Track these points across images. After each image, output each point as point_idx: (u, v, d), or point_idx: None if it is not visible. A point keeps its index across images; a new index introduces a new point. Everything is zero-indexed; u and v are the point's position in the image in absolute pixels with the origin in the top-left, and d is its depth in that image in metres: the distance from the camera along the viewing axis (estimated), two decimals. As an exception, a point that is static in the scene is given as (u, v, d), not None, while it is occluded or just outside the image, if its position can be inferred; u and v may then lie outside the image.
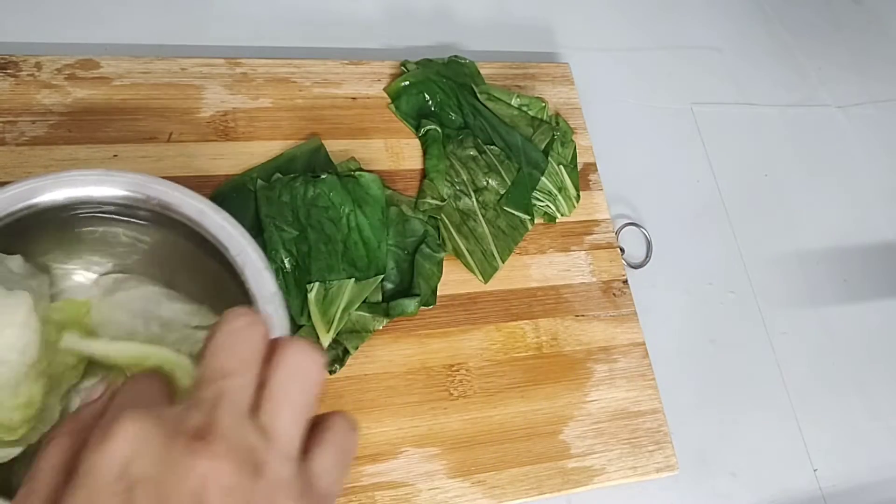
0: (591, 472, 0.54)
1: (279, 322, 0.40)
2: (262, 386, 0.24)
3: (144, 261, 0.46)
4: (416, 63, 0.63)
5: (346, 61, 0.62)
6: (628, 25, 0.79)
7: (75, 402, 0.43)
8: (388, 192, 0.58)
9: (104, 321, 0.44)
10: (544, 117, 0.65)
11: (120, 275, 0.46)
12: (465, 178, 0.60)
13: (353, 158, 0.58)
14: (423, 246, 0.57)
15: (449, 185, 0.60)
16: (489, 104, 0.64)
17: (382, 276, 0.54)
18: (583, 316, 0.60)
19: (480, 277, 0.58)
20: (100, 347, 0.40)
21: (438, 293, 0.56)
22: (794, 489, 0.63)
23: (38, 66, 0.55)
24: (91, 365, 0.43)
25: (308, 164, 0.57)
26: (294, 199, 0.54)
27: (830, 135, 0.82)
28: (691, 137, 0.76)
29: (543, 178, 0.62)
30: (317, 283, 0.52)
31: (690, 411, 0.62)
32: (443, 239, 0.58)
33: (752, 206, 0.74)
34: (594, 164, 0.66)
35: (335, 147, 0.58)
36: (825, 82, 0.85)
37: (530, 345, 0.57)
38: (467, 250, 0.58)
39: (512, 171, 0.62)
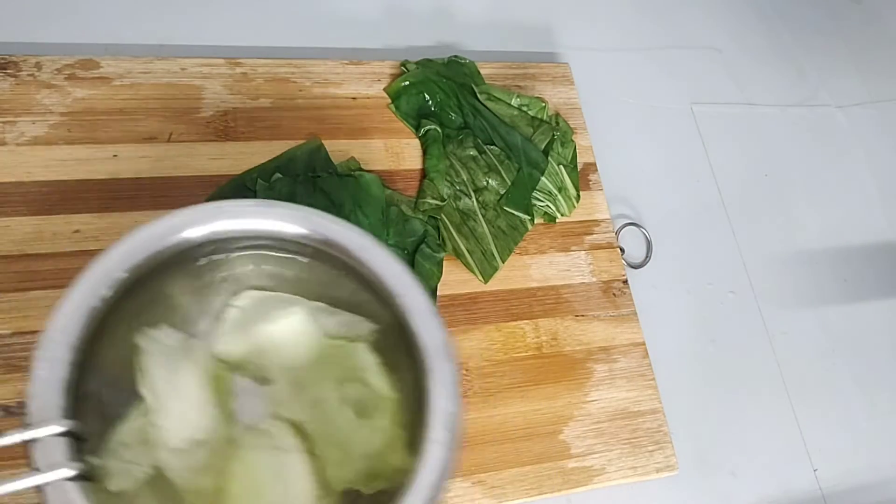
0: (591, 472, 0.54)
1: (446, 378, 0.37)
2: None
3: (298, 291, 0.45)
4: (416, 63, 0.63)
5: (347, 61, 0.62)
6: (628, 25, 0.79)
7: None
8: (388, 192, 0.58)
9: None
10: (544, 117, 0.65)
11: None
12: (465, 178, 0.60)
13: (353, 158, 0.58)
14: (423, 246, 0.57)
15: (449, 185, 0.60)
16: (489, 104, 0.64)
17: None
18: (583, 316, 0.60)
19: (480, 277, 0.58)
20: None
21: (438, 293, 0.56)
22: (794, 489, 0.63)
23: (39, 65, 0.55)
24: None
25: (308, 164, 0.57)
26: (294, 199, 0.54)
27: (830, 135, 0.82)
28: (691, 137, 0.76)
29: (543, 178, 0.62)
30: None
31: (690, 411, 0.62)
32: (443, 239, 0.58)
33: (752, 206, 0.74)
34: (594, 164, 0.66)
35: (335, 147, 0.58)
36: (825, 82, 0.85)
37: (530, 345, 0.57)
38: (467, 250, 0.58)
39: (512, 171, 0.62)
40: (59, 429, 0.33)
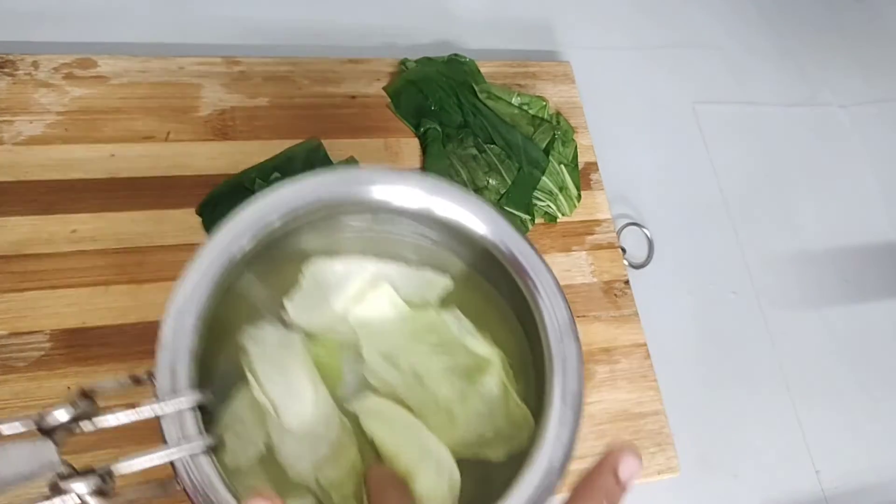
0: (592, 473, 0.54)
1: (572, 356, 0.37)
2: None
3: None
4: (416, 61, 0.63)
5: (346, 59, 0.62)
6: (630, 24, 0.79)
7: None
8: (388, 191, 0.57)
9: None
10: (545, 116, 0.65)
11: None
12: (465, 178, 0.60)
13: (352, 157, 0.58)
14: (423, 246, 0.56)
15: (449, 184, 0.59)
16: (489, 103, 0.63)
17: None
18: (584, 316, 0.59)
19: (481, 278, 0.57)
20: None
21: (438, 293, 0.56)
22: (796, 490, 0.62)
23: (36, 64, 0.55)
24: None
25: (307, 163, 0.56)
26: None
27: (832, 134, 0.82)
28: (693, 137, 0.75)
29: (544, 178, 0.62)
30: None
31: (692, 412, 0.62)
32: (443, 239, 0.57)
33: (753, 206, 0.74)
34: (595, 164, 0.66)
35: (334, 146, 0.58)
36: (827, 81, 0.85)
37: (531, 345, 0.57)
38: (467, 250, 0.58)
39: (512, 171, 0.61)
40: (191, 401, 0.33)
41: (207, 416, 0.34)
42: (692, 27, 0.82)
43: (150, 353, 0.33)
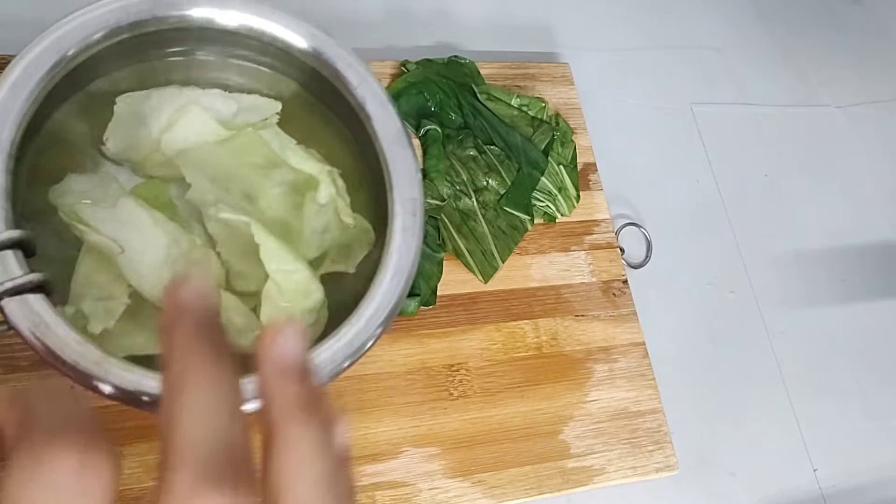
0: (590, 472, 0.54)
1: (406, 164, 0.37)
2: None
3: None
4: (416, 63, 0.63)
5: (346, 61, 0.62)
6: (628, 25, 0.79)
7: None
8: (388, 192, 0.58)
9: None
10: (544, 117, 0.65)
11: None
12: (465, 178, 0.60)
13: (353, 158, 0.58)
14: (423, 246, 0.56)
15: (449, 185, 0.60)
16: (489, 104, 0.64)
17: (382, 276, 0.54)
18: (583, 316, 0.60)
19: (480, 277, 0.58)
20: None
21: (438, 293, 0.56)
22: (794, 489, 0.63)
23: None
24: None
25: (308, 164, 0.57)
26: (294, 199, 0.54)
27: (830, 135, 0.82)
28: (691, 137, 0.76)
29: (543, 179, 0.62)
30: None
31: (690, 411, 0.62)
32: (443, 239, 0.58)
33: (751, 206, 0.74)
34: (594, 164, 0.66)
35: (335, 147, 0.58)
36: (825, 82, 0.85)
37: (530, 345, 0.57)
38: (467, 250, 0.58)
39: (512, 172, 0.62)
40: (9, 237, 0.32)
41: (35, 260, 0.33)
42: (690, 29, 0.82)
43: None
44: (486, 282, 0.58)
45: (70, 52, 0.36)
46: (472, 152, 0.61)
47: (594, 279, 0.61)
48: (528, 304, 0.58)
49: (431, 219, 0.58)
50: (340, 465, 0.21)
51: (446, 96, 0.63)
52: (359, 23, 0.69)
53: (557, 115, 0.66)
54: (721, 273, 0.70)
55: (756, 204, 0.75)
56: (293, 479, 0.19)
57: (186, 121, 0.41)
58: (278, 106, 0.44)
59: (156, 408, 0.30)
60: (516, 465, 0.53)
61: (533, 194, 0.62)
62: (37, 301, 0.32)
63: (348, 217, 0.42)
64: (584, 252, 0.62)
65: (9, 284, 0.31)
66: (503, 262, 0.59)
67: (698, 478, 0.60)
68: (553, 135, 0.64)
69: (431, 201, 0.58)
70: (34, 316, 0.31)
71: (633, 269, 0.65)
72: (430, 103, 0.62)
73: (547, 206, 0.62)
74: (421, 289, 0.55)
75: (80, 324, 0.36)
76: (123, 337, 0.37)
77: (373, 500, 0.49)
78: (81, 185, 0.39)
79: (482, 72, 0.65)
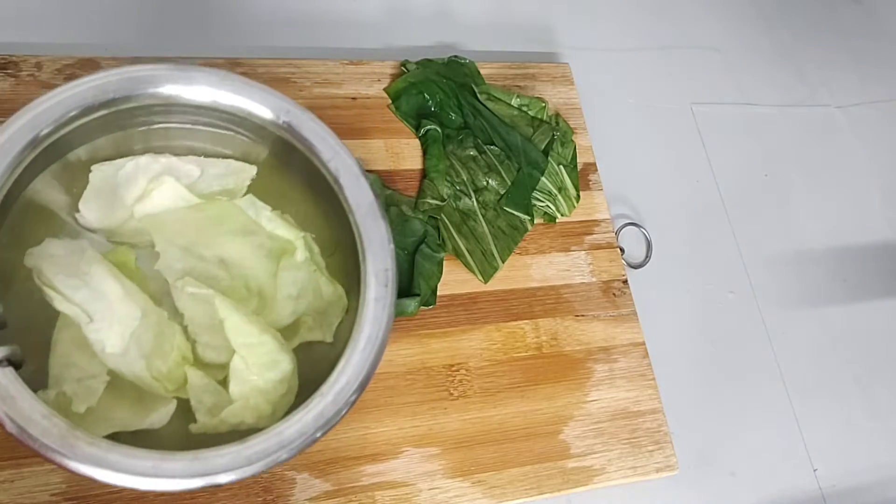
0: (590, 472, 0.54)
1: (379, 235, 0.37)
2: None
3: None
4: (416, 63, 0.63)
5: (346, 61, 0.62)
6: (628, 25, 0.79)
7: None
8: (388, 192, 0.58)
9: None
10: (544, 117, 0.65)
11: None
12: (465, 178, 0.60)
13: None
14: (423, 246, 0.57)
15: (449, 185, 0.60)
16: (489, 104, 0.64)
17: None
18: (583, 316, 0.60)
19: (480, 277, 0.58)
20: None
21: (438, 293, 0.56)
22: (794, 489, 0.63)
23: (39, 66, 0.55)
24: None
25: (308, 164, 0.57)
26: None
27: (830, 135, 0.82)
28: (691, 137, 0.76)
29: (543, 179, 0.62)
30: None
31: (690, 411, 0.62)
32: (443, 239, 0.58)
33: (751, 206, 0.74)
34: (594, 164, 0.66)
35: (335, 147, 0.58)
36: (825, 82, 0.85)
37: (530, 345, 0.57)
38: (467, 250, 0.58)
39: (512, 172, 0.62)
40: None
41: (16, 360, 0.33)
42: (690, 28, 0.82)
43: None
44: (486, 282, 0.58)
45: (46, 131, 0.37)
46: (472, 152, 0.61)
47: (594, 279, 0.61)
48: (528, 304, 0.58)
49: (431, 219, 0.58)
50: None
51: (446, 96, 0.63)
52: (359, 23, 0.69)
53: (557, 115, 0.66)
54: (721, 273, 0.70)
55: (756, 203, 0.75)
56: None
57: (160, 191, 0.42)
58: (253, 171, 0.44)
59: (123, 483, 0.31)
60: (516, 465, 0.53)
61: (533, 194, 0.62)
62: (3, 375, 0.32)
63: (324, 280, 0.42)
64: (584, 252, 0.62)
65: None
66: (503, 262, 0.59)
67: (698, 478, 0.60)
68: (553, 135, 0.64)
69: (431, 201, 0.58)
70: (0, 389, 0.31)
71: (633, 269, 0.65)
72: (430, 103, 0.62)
73: (547, 206, 0.62)
74: (421, 289, 0.55)
75: (64, 405, 0.36)
76: (107, 412, 0.37)
77: (373, 499, 0.49)
78: (58, 249, 0.39)
79: (482, 72, 0.65)
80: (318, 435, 0.36)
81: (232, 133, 0.43)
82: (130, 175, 0.42)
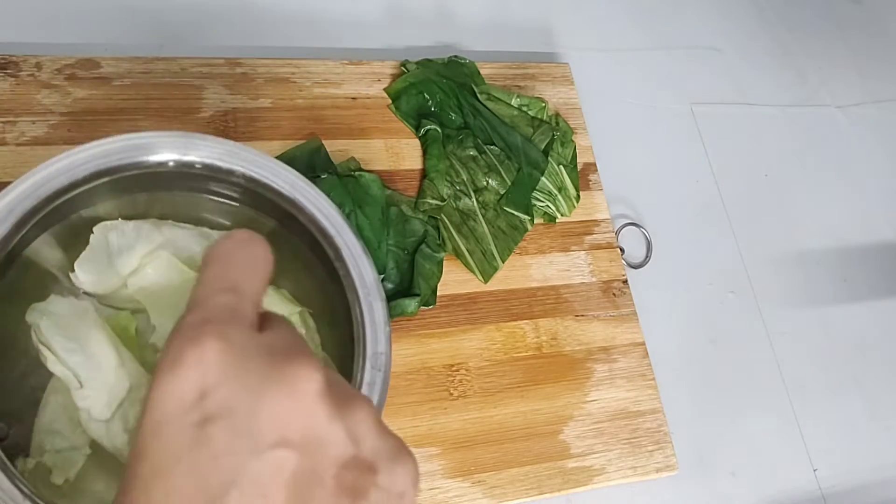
0: (590, 472, 0.54)
1: (377, 316, 0.37)
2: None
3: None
4: (416, 63, 0.63)
5: (347, 61, 0.62)
6: (628, 25, 0.79)
7: None
8: (388, 192, 0.58)
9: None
10: (544, 117, 0.65)
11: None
12: (465, 178, 0.60)
13: (353, 158, 0.58)
14: (423, 246, 0.57)
15: (449, 185, 0.60)
16: (489, 104, 0.64)
17: (382, 276, 0.54)
18: (583, 316, 0.60)
19: (480, 277, 0.58)
20: None
21: (438, 293, 0.56)
22: (794, 489, 0.63)
23: (39, 65, 0.55)
24: None
25: (308, 164, 0.57)
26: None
27: (830, 135, 0.82)
28: (691, 137, 0.76)
29: (543, 179, 0.62)
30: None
31: (690, 411, 0.62)
32: (443, 239, 0.58)
33: (751, 206, 0.74)
34: (594, 164, 0.66)
35: (335, 147, 0.58)
36: (825, 82, 0.85)
37: (530, 345, 0.57)
38: (467, 250, 0.58)
39: (512, 171, 0.62)
40: None
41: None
42: (690, 29, 0.82)
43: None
44: (486, 282, 0.58)
45: (49, 195, 0.37)
46: (472, 152, 0.61)
47: (594, 279, 0.61)
48: (528, 304, 0.58)
49: (431, 219, 0.58)
50: None
51: (446, 96, 0.63)
52: (359, 23, 0.69)
53: (557, 115, 0.66)
54: (721, 273, 0.70)
55: (756, 204, 0.75)
56: None
57: (155, 265, 0.41)
58: None
59: None
60: (516, 465, 0.53)
61: (533, 194, 0.62)
62: None
63: (320, 358, 0.42)
64: (584, 252, 0.62)
65: None
66: (503, 262, 0.59)
67: (698, 478, 0.60)
68: (553, 135, 0.64)
69: (431, 201, 0.58)
70: None
71: (633, 269, 0.65)
72: (430, 103, 0.62)
73: (547, 206, 0.62)
74: (421, 289, 0.55)
75: (43, 474, 0.35)
76: (86, 484, 0.37)
77: (373, 500, 0.49)
78: (62, 308, 0.39)
79: (482, 72, 0.65)
80: None
81: (237, 205, 0.43)
82: (130, 242, 0.41)
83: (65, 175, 0.37)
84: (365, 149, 0.60)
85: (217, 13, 0.65)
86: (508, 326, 0.57)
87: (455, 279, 0.57)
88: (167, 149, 0.40)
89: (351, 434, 0.23)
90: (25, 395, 0.38)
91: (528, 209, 0.61)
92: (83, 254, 0.41)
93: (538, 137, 0.64)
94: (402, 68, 0.63)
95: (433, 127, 0.61)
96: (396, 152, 0.61)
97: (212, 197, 0.43)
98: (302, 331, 0.42)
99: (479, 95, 0.63)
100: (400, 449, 0.25)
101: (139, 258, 0.41)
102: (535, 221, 0.62)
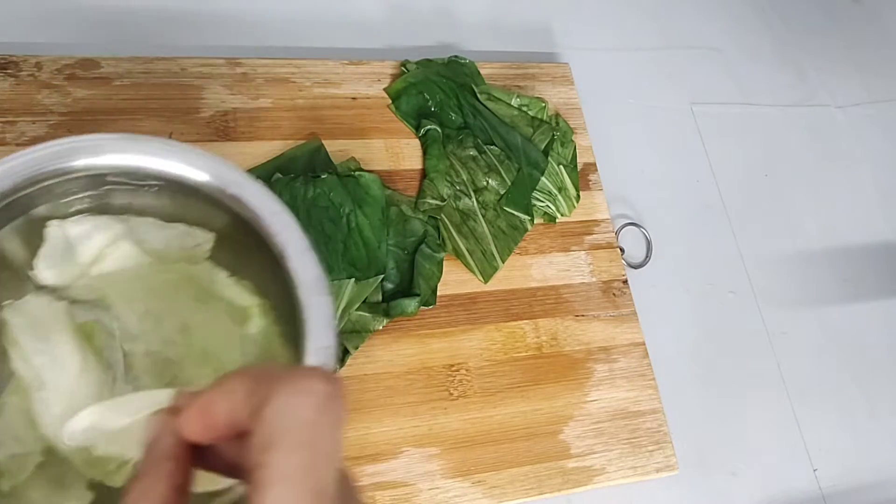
0: (591, 472, 0.54)
1: (322, 311, 0.38)
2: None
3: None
4: (416, 63, 0.63)
5: (347, 61, 0.62)
6: (628, 25, 0.79)
7: None
8: (388, 192, 0.58)
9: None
10: (544, 117, 0.65)
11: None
12: (465, 178, 0.60)
13: (353, 158, 0.58)
14: (423, 246, 0.57)
15: (449, 185, 0.60)
16: (489, 104, 0.64)
17: (382, 276, 0.54)
18: (583, 316, 0.60)
19: (480, 277, 0.58)
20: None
21: (438, 293, 0.56)
22: (794, 489, 0.63)
23: (39, 65, 0.55)
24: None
25: (308, 164, 0.57)
26: (294, 199, 0.54)
27: (830, 135, 0.82)
28: (691, 137, 0.76)
29: (543, 179, 0.62)
30: (317, 283, 0.52)
31: (690, 411, 0.62)
32: (443, 239, 0.58)
33: (751, 206, 0.74)
34: (594, 164, 0.66)
35: (335, 147, 0.58)
36: (825, 82, 0.85)
37: (530, 345, 0.57)
38: (467, 250, 0.58)
39: (512, 172, 0.62)
40: None
41: None
42: (690, 29, 0.82)
43: None
44: (486, 282, 0.58)
45: (4, 190, 0.37)
46: (472, 152, 0.61)
47: (594, 279, 0.61)
48: (528, 304, 0.58)
49: (431, 219, 0.58)
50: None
51: (446, 96, 0.63)
52: (359, 23, 0.69)
53: (557, 114, 0.66)
54: (721, 273, 0.70)
55: (756, 203, 0.75)
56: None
57: (116, 256, 0.41)
58: (211, 238, 0.44)
59: None
60: (516, 465, 0.53)
61: (533, 194, 0.62)
62: None
63: (279, 350, 0.42)
64: (584, 252, 0.62)
65: None
66: (503, 262, 0.59)
67: (698, 478, 0.60)
68: (553, 135, 0.64)
69: (431, 201, 0.58)
70: None
71: (633, 269, 0.65)
72: (430, 103, 0.62)
73: (547, 206, 0.62)
74: (421, 289, 0.55)
75: None
76: (26, 492, 0.36)
77: (373, 499, 0.49)
78: (36, 308, 0.39)
79: (482, 72, 0.65)
80: None
81: (193, 199, 0.43)
82: (88, 232, 0.41)
83: (8, 178, 0.38)
84: (365, 149, 0.60)
85: (217, 13, 0.65)
86: (508, 326, 0.57)
87: (455, 279, 0.57)
88: (111, 151, 0.39)
89: None
90: None
91: (528, 209, 0.61)
92: (41, 250, 0.40)
93: (538, 137, 0.64)
94: (402, 68, 0.63)
95: (433, 127, 0.61)
96: (396, 152, 0.61)
97: (167, 192, 0.42)
98: (263, 322, 0.42)
99: (479, 95, 0.63)
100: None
101: (98, 248, 0.41)
102: (535, 221, 0.62)
